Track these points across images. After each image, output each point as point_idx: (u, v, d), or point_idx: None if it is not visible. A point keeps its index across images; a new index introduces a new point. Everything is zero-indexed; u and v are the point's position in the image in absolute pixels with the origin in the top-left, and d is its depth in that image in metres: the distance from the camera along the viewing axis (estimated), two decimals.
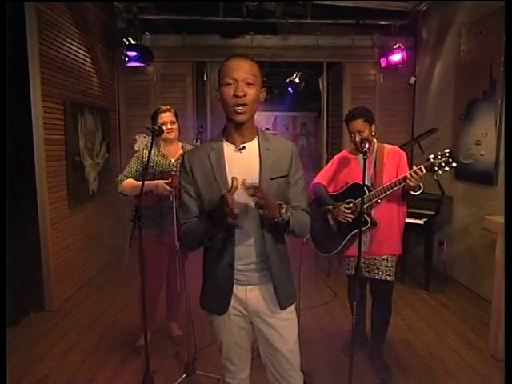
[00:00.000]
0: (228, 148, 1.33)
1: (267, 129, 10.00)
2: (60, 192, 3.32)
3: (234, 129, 1.32)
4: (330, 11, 4.33)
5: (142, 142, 4.38)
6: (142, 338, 2.53)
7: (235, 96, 1.23)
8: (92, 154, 3.87)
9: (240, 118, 1.26)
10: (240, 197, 1.24)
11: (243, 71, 1.24)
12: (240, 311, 1.38)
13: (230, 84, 1.24)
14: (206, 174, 1.32)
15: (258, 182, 1.29)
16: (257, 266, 1.34)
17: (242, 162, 1.32)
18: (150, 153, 2.07)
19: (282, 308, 1.36)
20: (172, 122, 2.46)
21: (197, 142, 2.24)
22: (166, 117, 2.45)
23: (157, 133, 2.14)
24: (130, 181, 2.43)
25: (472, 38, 3.47)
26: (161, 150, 2.50)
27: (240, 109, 1.24)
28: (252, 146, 1.34)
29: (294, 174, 1.36)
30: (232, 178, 1.18)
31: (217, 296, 1.37)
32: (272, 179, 1.31)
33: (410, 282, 3.68)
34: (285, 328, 1.39)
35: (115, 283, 3.78)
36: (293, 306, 1.43)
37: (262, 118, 10.09)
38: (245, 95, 1.23)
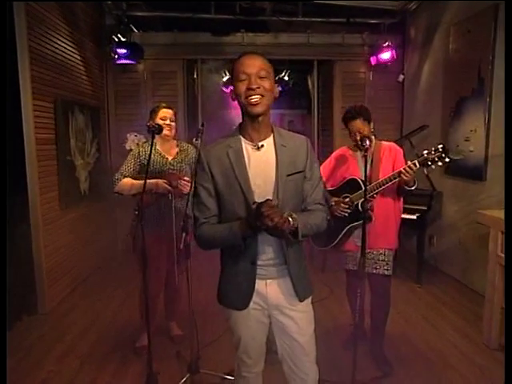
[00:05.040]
0: (246, 146, 1.35)
1: None
2: (51, 192, 3.25)
3: (251, 125, 1.33)
4: (321, 9, 4.36)
5: (133, 140, 4.29)
6: (142, 338, 2.54)
7: (249, 89, 1.25)
8: (83, 154, 3.80)
9: (256, 109, 1.27)
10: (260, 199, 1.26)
11: (255, 66, 1.27)
12: (260, 305, 1.40)
13: (244, 80, 1.27)
14: (225, 172, 1.32)
15: (275, 178, 1.32)
16: (275, 260, 1.36)
17: (260, 160, 1.33)
18: (150, 151, 2.06)
19: (301, 299, 1.39)
20: (172, 120, 2.46)
21: (197, 140, 2.22)
22: (167, 113, 2.45)
23: (156, 131, 2.13)
24: (128, 180, 2.40)
25: (460, 36, 3.55)
26: (157, 148, 2.47)
27: (255, 100, 1.26)
28: (269, 144, 1.36)
29: (309, 169, 1.38)
30: (253, 203, 1.22)
31: (238, 292, 1.38)
32: (288, 176, 1.33)
33: (402, 276, 3.75)
34: (302, 320, 1.42)
35: (108, 284, 3.72)
36: (309, 300, 1.46)
37: None
38: (258, 87, 1.26)
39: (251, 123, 1.33)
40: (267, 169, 1.33)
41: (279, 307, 1.41)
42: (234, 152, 1.33)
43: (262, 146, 1.34)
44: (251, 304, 1.39)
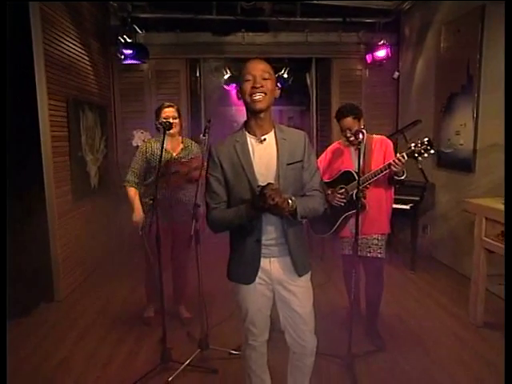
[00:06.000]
0: (250, 140, 1.54)
1: None
2: (65, 187, 3.44)
3: (255, 121, 1.53)
4: (318, 9, 4.53)
5: (139, 137, 4.47)
6: (148, 310, 2.86)
7: (253, 88, 1.46)
8: (93, 150, 3.99)
9: (259, 105, 1.47)
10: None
11: (259, 69, 1.48)
12: (264, 280, 1.59)
13: (249, 80, 1.47)
14: (232, 163, 1.52)
15: (276, 167, 1.51)
16: (277, 240, 1.55)
17: (263, 151, 1.53)
18: (162, 148, 2.23)
19: (300, 275, 1.58)
20: (174, 117, 2.62)
21: (204, 136, 2.39)
22: (169, 112, 2.62)
23: (167, 128, 2.30)
24: (132, 193, 2.64)
25: (451, 35, 3.73)
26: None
27: (258, 97, 1.46)
28: (270, 137, 1.55)
29: (307, 159, 1.57)
30: (257, 186, 1.43)
31: (245, 268, 1.57)
32: (288, 165, 1.52)
33: (397, 263, 3.95)
34: (302, 294, 1.62)
35: (117, 273, 3.94)
36: (308, 276, 1.65)
37: None
38: (262, 86, 1.46)
39: (255, 119, 1.52)
40: (269, 159, 1.52)
41: (281, 282, 1.60)
42: (240, 145, 1.52)
43: (265, 139, 1.54)
44: (257, 279, 1.58)
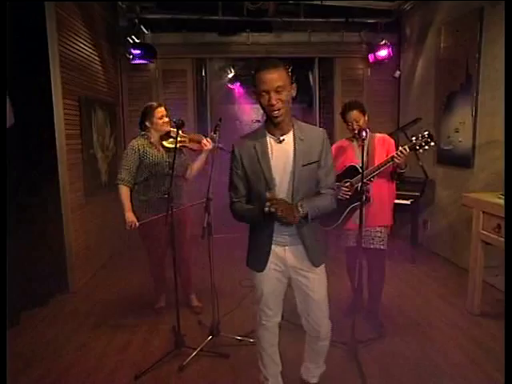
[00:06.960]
0: (270, 139, 1.64)
1: (258, 121, 10.20)
2: (78, 183, 3.57)
3: (274, 124, 1.61)
4: (321, 10, 4.64)
5: None
6: (159, 300, 3.02)
7: (270, 105, 1.53)
8: (103, 148, 4.12)
9: (277, 119, 1.57)
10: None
11: (272, 82, 1.50)
12: (279, 266, 1.73)
13: (264, 95, 1.53)
14: (252, 162, 1.62)
15: (292, 168, 1.61)
16: (290, 232, 1.67)
17: (281, 151, 1.62)
18: (176, 145, 2.35)
19: (316, 266, 1.70)
20: (167, 115, 2.72)
21: (215, 133, 2.52)
22: (162, 111, 2.72)
23: (180, 126, 2.42)
24: (126, 193, 2.73)
25: (450, 35, 3.84)
26: (152, 142, 2.72)
27: (276, 113, 1.55)
28: (289, 137, 1.63)
29: (324, 158, 1.66)
30: (266, 192, 1.55)
31: (257, 257, 1.72)
32: (304, 166, 1.61)
33: (398, 258, 4.06)
34: (317, 281, 1.74)
35: (127, 266, 4.07)
36: (323, 265, 1.76)
37: (254, 111, 10.32)
38: (277, 102, 1.52)
39: (274, 123, 1.60)
40: (286, 159, 1.61)
41: (297, 269, 1.72)
42: (260, 145, 1.62)
43: (283, 139, 1.62)
44: (273, 265, 1.71)
